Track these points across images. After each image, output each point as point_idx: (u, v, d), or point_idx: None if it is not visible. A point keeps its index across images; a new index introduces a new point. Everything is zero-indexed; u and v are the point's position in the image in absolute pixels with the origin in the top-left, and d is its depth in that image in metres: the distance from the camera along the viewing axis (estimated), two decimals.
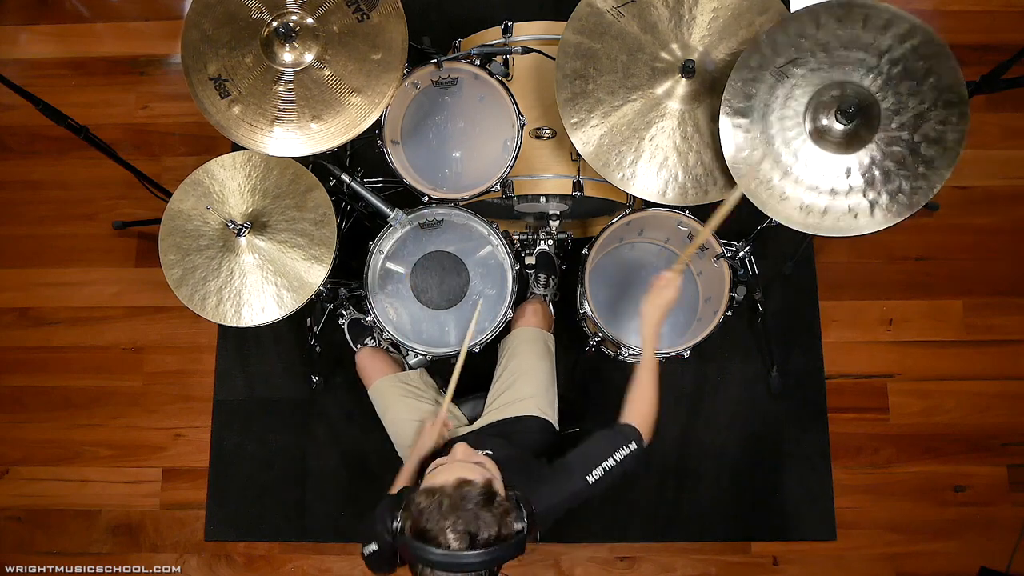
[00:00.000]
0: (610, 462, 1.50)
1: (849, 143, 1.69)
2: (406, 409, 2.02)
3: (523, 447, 1.81)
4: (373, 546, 1.54)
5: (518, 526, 1.34)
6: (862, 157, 1.69)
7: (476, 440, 1.70)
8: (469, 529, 1.30)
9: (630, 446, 1.53)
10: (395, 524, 1.36)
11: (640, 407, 1.63)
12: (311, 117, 1.75)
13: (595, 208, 2.28)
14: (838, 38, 1.67)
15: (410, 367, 2.22)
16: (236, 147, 1.81)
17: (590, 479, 1.49)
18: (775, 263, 2.63)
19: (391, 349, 2.28)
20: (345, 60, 1.76)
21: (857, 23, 1.66)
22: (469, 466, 1.44)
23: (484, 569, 1.31)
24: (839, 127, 1.68)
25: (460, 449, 1.50)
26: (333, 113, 1.75)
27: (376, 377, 2.10)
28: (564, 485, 1.51)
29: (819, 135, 1.70)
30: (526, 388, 1.99)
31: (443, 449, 1.75)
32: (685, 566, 2.49)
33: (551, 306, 2.37)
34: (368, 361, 2.16)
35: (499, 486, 1.41)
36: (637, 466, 1.52)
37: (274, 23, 1.75)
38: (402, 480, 1.77)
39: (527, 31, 2.13)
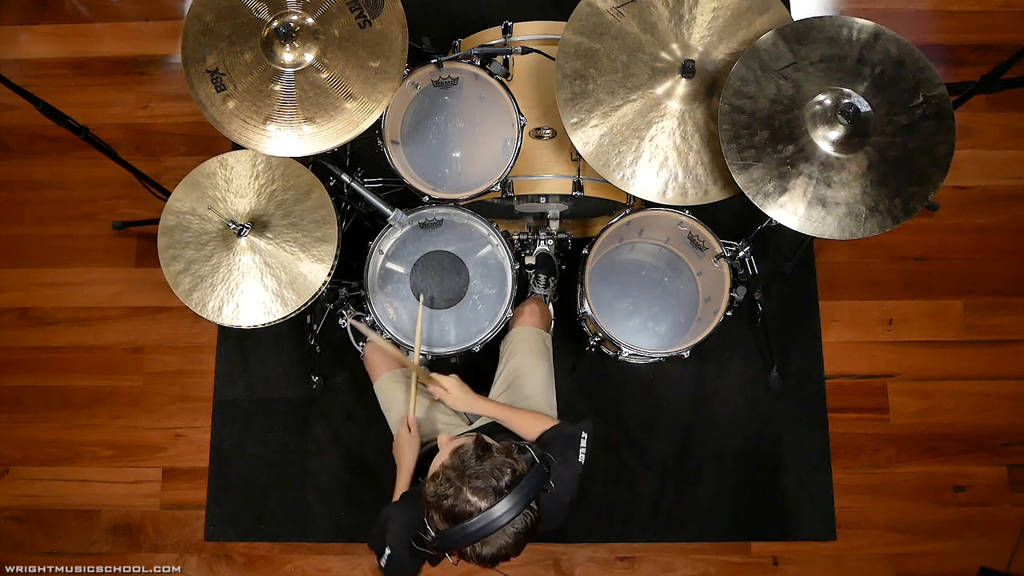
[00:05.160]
0: (583, 443, 1.58)
1: (847, 147, 1.69)
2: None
3: None
4: (388, 551, 1.54)
5: (528, 456, 1.36)
6: (860, 160, 1.69)
7: None
8: (487, 483, 1.30)
9: (584, 433, 1.60)
10: (429, 536, 1.35)
11: (536, 418, 1.73)
12: (304, 119, 1.75)
13: (595, 208, 2.28)
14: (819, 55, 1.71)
15: None
16: (236, 147, 1.81)
17: (581, 459, 1.56)
18: (775, 263, 2.63)
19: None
20: (343, 65, 1.76)
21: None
22: (456, 440, 1.45)
23: (522, 510, 1.30)
24: (836, 133, 1.68)
25: (443, 439, 1.50)
26: (326, 117, 1.74)
27: (382, 372, 2.10)
28: (568, 461, 1.54)
29: (819, 141, 1.71)
30: (526, 389, 1.99)
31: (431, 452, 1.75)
32: (685, 566, 2.49)
33: (551, 306, 2.38)
34: (377, 356, 2.16)
35: (489, 440, 1.41)
36: (595, 445, 1.62)
37: (274, 23, 1.75)
38: (401, 487, 1.76)
39: (527, 31, 2.13)
